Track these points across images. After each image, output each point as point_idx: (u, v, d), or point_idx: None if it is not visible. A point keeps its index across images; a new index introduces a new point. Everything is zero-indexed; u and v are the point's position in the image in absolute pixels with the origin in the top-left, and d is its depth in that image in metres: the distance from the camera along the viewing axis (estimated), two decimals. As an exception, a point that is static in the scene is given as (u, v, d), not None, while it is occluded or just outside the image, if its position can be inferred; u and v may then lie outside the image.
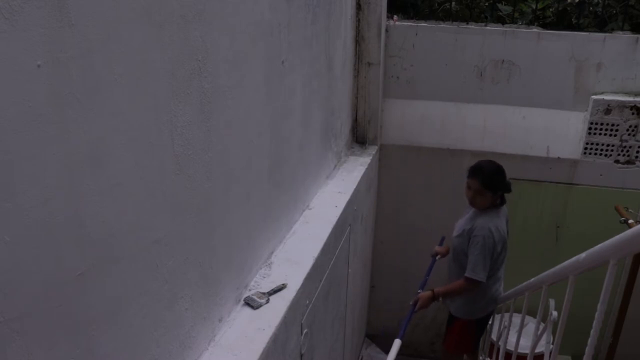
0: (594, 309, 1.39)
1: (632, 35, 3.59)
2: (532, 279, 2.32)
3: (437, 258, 3.41)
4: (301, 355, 2.26)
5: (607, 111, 3.65)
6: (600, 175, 3.86)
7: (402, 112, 4.04)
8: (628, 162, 3.79)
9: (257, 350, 1.76)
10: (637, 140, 3.71)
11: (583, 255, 1.55)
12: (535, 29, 3.73)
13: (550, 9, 4.38)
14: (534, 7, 4.07)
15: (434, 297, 2.98)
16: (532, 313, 2.61)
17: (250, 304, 1.99)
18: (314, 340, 2.49)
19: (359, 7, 3.60)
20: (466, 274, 2.83)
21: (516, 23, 3.93)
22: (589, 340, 1.45)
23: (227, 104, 1.71)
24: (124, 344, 1.32)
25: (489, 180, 2.83)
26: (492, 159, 2.99)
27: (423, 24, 3.84)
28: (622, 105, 3.62)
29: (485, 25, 3.80)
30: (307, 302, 2.29)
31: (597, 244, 1.44)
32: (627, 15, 3.86)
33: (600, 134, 3.73)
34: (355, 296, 3.75)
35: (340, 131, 3.48)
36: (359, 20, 3.64)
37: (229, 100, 1.73)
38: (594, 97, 3.67)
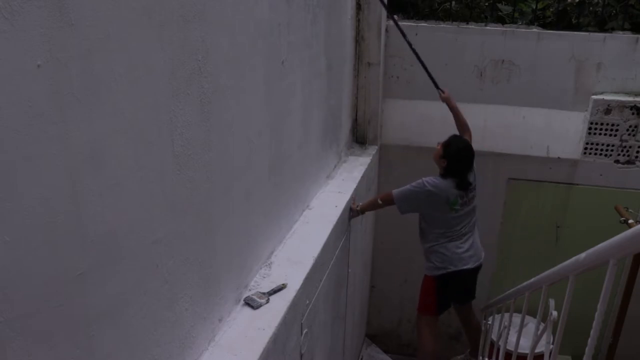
0: (594, 309, 1.38)
1: (632, 35, 3.59)
2: (532, 279, 2.32)
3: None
4: (301, 355, 2.26)
5: (607, 111, 3.65)
6: (600, 175, 3.86)
7: (402, 112, 4.04)
8: (628, 162, 3.79)
9: (257, 350, 1.76)
10: (637, 140, 3.71)
11: (583, 255, 1.55)
12: (535, 29, 3.73)
13: (550, 9, 4.38)
14: (534, 7, 4.07)
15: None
16: (532, 313, 2.61)
17: (250, 304, 1.99)
18: (314, 340, 2.49)
19: (359, 7, 3.60)
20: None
21: (516, 23, 3.93)
22: (589, 340, 1.44)
23: (227, 104, 1.71)
24: (124, 344, 1.32)
25: (445, 145, 3.06)
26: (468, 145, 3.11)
27: (423, 24, 3.84)
28: (622, 105, 3.62)
29: (485, 25, 3.80)
30: (307, 302, 2.29)
31: (597, 244, 1.43)
32: (627, 15, 3.86)
33: (600, 134, 3.73)
34: (355, 296, 3.75)
35: (340, 131, 3.48)
36: (359, 20, 3.64)
37: (229, 100, 1.73)
38: (594, 97, 3.67)
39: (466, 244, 3.12)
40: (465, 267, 3.10)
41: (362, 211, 3.22)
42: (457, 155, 3.02)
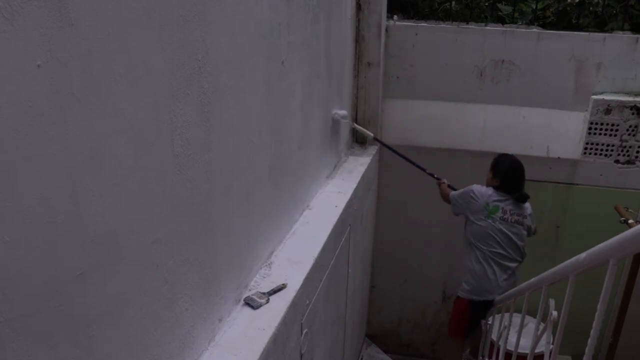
0: (594, 309, 1.39)
1: (632, 35, 3.59)
2: (532, 279, 2.32)
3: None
4: (301, 355, 2.26)
5: (607, 111, 3.65)
6: (600, 175, 3.86)
7: (402, 112, 4.03)
8: (628, 162, 3.79)
9: (257, 350, 1.76)
10: (637, 140, 3.72)
11: (583, 255, 1.55)
12: (535, 29, 3.73)
13: (550, 9, 4.38)
14: (534, 7, 4.07)
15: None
16: (532, 313, 2.61)
17: (250, 304, 1.99)
18: (314, 340, 2.49)
19: (359, 7, 3.60)
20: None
21: (516, 23, 3.93)
22: (589, 340, 1.45)
23: (227, 104, 1.71)
24: (124, 344, 1.32)
25: (495, 163, 3.28)
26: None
27: (423, 24, 3.84)
28: (622, 105, 3.62)
29: (485, 25, 3.80)
30: (307, 302, 2.29)
31: (597, 244, 1.44)
32: (627, 15, 3.86)
33: (600, 134, 3.73)
34: (355, 296, 3.75)
35: (340, 131, 3.48)
36: (359, 21, 3.64)
37: (229, 100, 1.73)
38: (594, 97, 3.67)
39: (504, 274, 3.16)
40: (491, 298, 3.19)
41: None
42: (508, 171, 3.18)
